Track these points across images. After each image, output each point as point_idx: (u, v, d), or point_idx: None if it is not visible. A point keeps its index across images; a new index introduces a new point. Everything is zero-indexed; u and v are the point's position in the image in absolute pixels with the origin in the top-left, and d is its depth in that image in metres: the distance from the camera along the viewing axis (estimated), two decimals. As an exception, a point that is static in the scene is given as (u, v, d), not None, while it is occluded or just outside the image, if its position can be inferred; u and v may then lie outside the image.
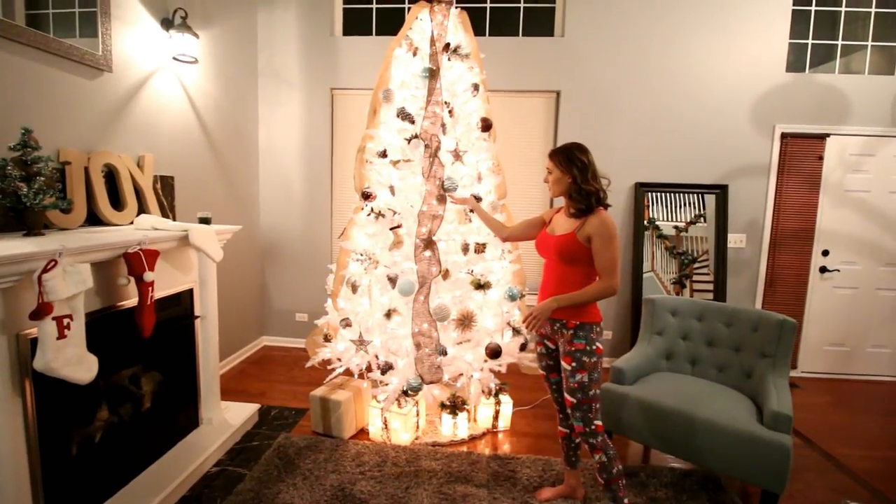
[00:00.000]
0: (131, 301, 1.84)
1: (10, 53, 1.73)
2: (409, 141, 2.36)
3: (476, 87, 2.47)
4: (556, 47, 3.43)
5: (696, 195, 3.44)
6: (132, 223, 2.15)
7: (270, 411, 2.72)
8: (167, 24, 2.53)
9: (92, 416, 1.78)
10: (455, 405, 2.50)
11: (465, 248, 2.35)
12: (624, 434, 2.17)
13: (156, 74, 2.50)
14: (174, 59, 2.57)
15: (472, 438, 2.50)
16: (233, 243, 3.30)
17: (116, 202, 2.18)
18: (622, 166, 3.46)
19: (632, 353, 2.42)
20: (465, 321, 2.30)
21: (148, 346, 1.96)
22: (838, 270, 3.42)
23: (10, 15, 1.74)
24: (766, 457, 1.75)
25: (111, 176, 2.17)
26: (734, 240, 3.44)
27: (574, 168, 1.73)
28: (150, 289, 1.78)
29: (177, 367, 2.22)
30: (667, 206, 3.47)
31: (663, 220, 3.47)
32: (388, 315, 2.33)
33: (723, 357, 2.35)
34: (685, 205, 3.45)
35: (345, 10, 3.64)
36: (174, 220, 2.63)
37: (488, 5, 3.55)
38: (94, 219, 2.04)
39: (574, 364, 1.74)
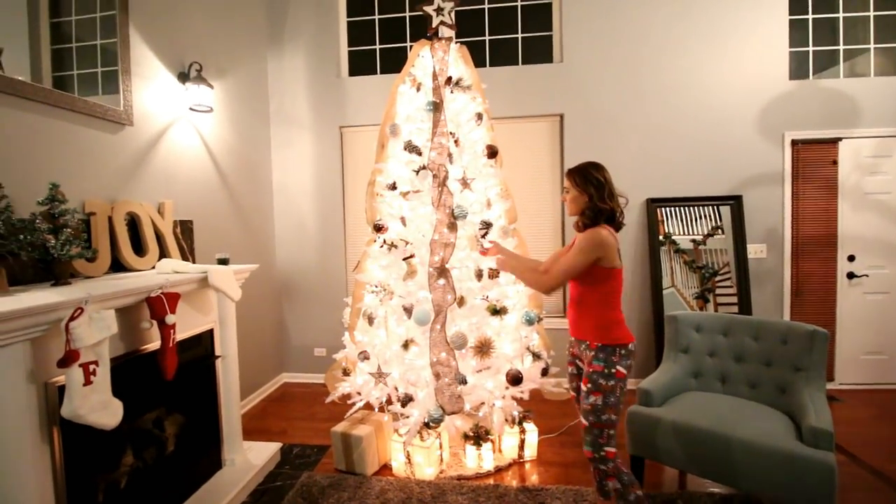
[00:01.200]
0: (154, 344, 1.87)
1: (39, 114, 1.84)
2: (417, 172, 2.40)
3: (479, 116, 2.52)
4: (556, 72, 3.51)
5: (711, 207, 3.40)
6: (154, 268, 2.21)
7: (292, 450, 2.70)
8: (183, 77, 2.67)
9: (117, 462, 1.78)
10: (479, 436, 2.44)
11: (479, 274, 2.35)
12: (657, 459, 2.08)
13: (174, 125, 2.62)
14: (191, 109, 2.70)
15: (499, 470, 2.43)
16: (250, 282, 3.35)
17: (139, 248, 2.25)
18: (632, 183, 3.45)
19: (658, 374, 2.35)
20: (484, 348, 2.28)
21: (171, 388, 1.98)
22: (867, 275, 3.31)
23: (38, 78, 1.86)
24: (808, 477, 1.65)
25: (133, 223, 2.25)
26: (754, 250, 3.37)
27: (591, 186, 1.76)
28: (171, 331, 1.81)
29: (199, 408, 2.23)
30: (684, 221, 3.42)
31: (680, 234, 3.43)
32: (406, 346, 2.32)
33: (754, 372, 2.27)
34: (701, 217, 3.40)
35: (350, 52, 3.80)
36: (194, 262, 2.70)
37: (487, 38, 3.67)
38: (118, 265, 2.11)
39: (589, 385, 1.72)
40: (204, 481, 2.19)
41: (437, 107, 2.40)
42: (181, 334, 2.05)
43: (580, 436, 1.95)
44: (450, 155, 2.41)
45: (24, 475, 1.34)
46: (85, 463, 1.58)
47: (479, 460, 2.42)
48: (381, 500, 2.15)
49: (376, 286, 2.42)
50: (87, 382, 1.44)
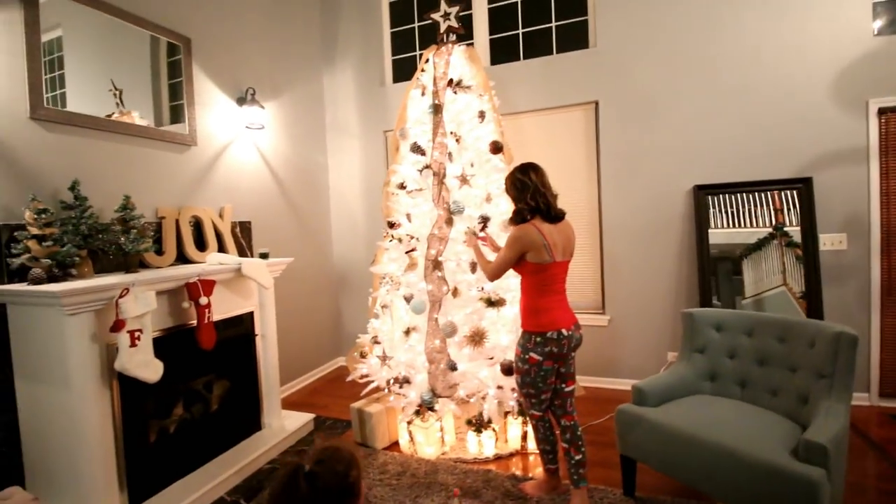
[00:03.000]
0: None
1: (121, 143, 2.40)
2: (421, 171, 2.57)
3: (482, 114, 2.60)
4: (590, 58, 3.38)
5: (776, 192, 2.97)
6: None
7: (326, 421, 3.06)
8: (241, 101, 3.18)
9: (169, 412, 2.28)
10: (480, 423, 2.53)
11: (474, 267, 2.43)
12: (645, 462, 1.98)
13: (234, 142, 3.15)
14: (246, 127, 3.21)
15: (498, 458, 2.49)
16: (309, 274, 3.85)
17: (202, 245, 2.78)
18: (675, 170, 3.19)
19: (664, 374, 2.21)
20: (476, 338, 2.37)
21: (216, 358, 2.45)
22: None
23: (160, 114, 2.60)
24: (790, 492, 1.47)
25: (198, 225, 2.79)
26: (830, 241, 2.88)
27: (513, 189, 1.92)
28: (206, 310, 2.25)
29: (241, 377, 2.68)
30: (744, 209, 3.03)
31: (740, 227, 3.05)
32: (408, 332, 2.51)
33: (777, 379, 2.01)
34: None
35: (393, 60, 4.08)
36: (252, 256, 3.21)
37: (521, 31, 3.66)
38: (184, 259, 2.64)
39: (513, 365, 2.03)
40: (244, 438, 2.63)
41: (437, 109, 2.54)
42: (224, 314, 2.51)
43: (595, 436, 2.06)
44: (449, 154, 2.53)
45: (90, 412, 1.82)
46: (139, 408, 2.07)
47: (479, 446, 2.51)
48: (381, 471, 2.38)
49: (384, 277, 2.65)
50: (133, 345, 1.90)
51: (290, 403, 3.41)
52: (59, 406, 1.83)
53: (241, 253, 3.08)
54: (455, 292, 2.41)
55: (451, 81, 2.58)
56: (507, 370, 2.35)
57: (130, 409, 2.01)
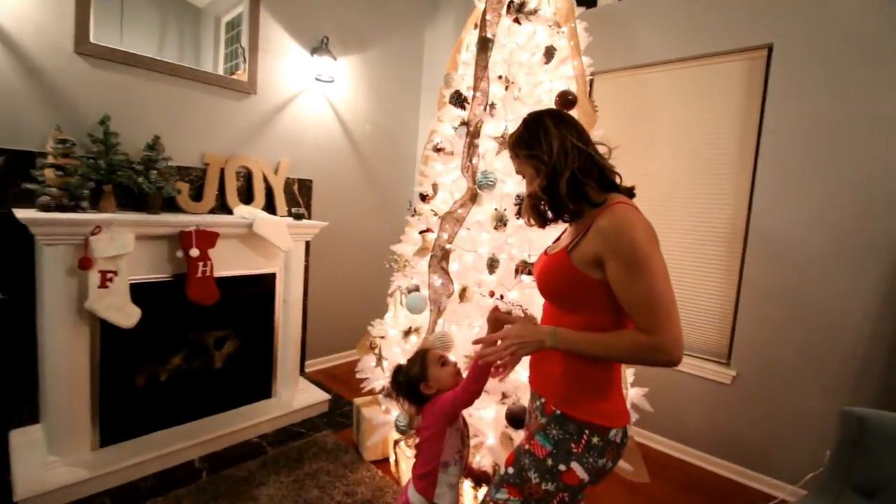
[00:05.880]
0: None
1: (180, 87, 2.38)
2: (456, 129, 1.96)
3: (549, 51, 1.82)
4: (772, -23, 2.18)
5: None
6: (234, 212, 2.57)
7: (343, 406, 2.77)
8: (315, 50, 2.97)
9: (165, 360, 2.23)
10: (479, 476, 1.88)
11: (491, 266, 1.74)
12: None
13: (302, 94, 2.97)
14: (316, 79, 2.99)
15: (494, 527, 1.82)
16: (377, 244, 3.56)
17: (251, 198, 2.69)
18: (905, 158, 1.87)
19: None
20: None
21: (228, 314, 2.33)
22: None
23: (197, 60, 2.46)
24: None
25: (249, 176, 2.70)
26: None
27: (534, 157, 1.05)
28: (198, 263, 2.09)
29: (255, 339, 2.52)
30: None
31: None
32: (408, 333, 1.98)
33: None
34: None
35: (502, 7, 3.40)
36: (309, 217, 3.04)
37: (668, -50, 2.60)
38: (227, 209, 2.58)
39: (511, 470, 1.06)
40: (247, 403, 2.49)
41: (482, 43, 1.86)
42: (240, 271, 2.37)
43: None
44: (492, 106, 1.85)
45: (61, 342, 1.81)
46: (125, 351, 2.02)
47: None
48: (346, 492, 1.95)
49: (395, 260, 2.14)
50: (103, 286, 1.82)
51: (329, 376, 3.25)
52: (42, 331, 1.88)
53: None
54: (463, 294, 1.78)
55: (510, 5, 1.86)
56: (512, 419, 1.64)
57: (112, 350, 1.98)
